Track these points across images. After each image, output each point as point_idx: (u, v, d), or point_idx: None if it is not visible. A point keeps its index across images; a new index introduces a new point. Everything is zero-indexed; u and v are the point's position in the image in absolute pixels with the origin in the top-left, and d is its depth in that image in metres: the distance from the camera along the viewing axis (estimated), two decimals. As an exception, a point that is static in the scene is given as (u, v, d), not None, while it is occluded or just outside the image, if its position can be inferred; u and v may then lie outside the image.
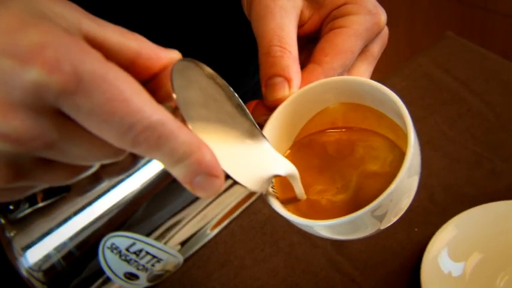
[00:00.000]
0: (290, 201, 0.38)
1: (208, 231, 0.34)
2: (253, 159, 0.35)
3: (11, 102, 0.24)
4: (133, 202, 0.32)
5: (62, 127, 0.25)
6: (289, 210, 0.36)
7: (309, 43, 0.43)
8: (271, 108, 0.39)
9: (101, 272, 0.32)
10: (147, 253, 0.32)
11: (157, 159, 0.27)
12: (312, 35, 0.42)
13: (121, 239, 0.32)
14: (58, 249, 0.32)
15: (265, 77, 0.38)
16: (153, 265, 0.33)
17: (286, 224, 0.64)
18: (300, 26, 0.41)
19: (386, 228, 0.38)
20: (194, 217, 0.33)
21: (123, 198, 0.32)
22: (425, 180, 0.65)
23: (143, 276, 0.33)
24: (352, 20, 0.39)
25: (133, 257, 0.32)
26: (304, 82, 0.38)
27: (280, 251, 0.62)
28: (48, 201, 0.33)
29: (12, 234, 0.32)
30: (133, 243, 0.32)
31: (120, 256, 0.32)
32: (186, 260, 0.34)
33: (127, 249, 0.32)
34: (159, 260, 0.33)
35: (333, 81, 0.38)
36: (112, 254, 0.32)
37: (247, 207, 0.67)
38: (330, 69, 0.38)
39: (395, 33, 1.62)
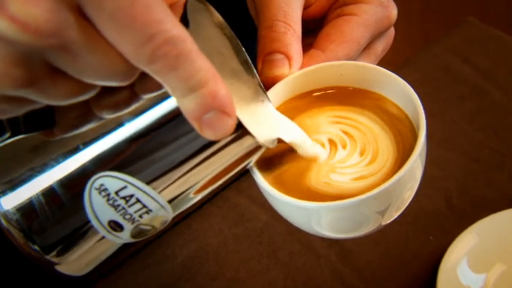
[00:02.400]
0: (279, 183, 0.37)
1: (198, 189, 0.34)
2: (257, 118, 0.36)
3: None
4: (128, 141, 0.31)
5: (81, 28, 0.26)
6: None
7: (309, 34, 0.43)
8: (265, 86, 0.39)
9: (85, 219, 0.32)
10: (138, 200, 0.32)
11: (169, 85, 0.27)
12: (316, 19, 0.43)
13: (112, 180, 0.31)
14: (39, 188, 0.31)
15: (265, 52, 0.38)
16: (141, 216, 0.32)
17: (286, 232, 0.64)
18: (305, 7, 0.42)
19: (388, 224, 0.39)
20: (194, 168, 0.32)
21: (119, 136, 0.31)
22: (441, 183, 0.66)
23: (128, 228, 0.32)
24: (363, 8, 0.40)
25: (122, 202, 0.31)
26: (304, 67, 0.39)
27: (279, 262, 0.62)
28: (32, 134, 0.32)
29: None
30: (125, 187, 0.31)
31: (108, 200, 0.31)
32: (175, 218, 0.34)
33: (116, 193, 0.31)
34: (148, 211, 0.32)
35: (337, 65, 0.39)
36: (99, 197, 0.31)
37: (242, 214, 0.66)
38: (334, 57, 0.39)
39: (407, 18, 1.61)
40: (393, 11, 0.42)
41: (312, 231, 0.39)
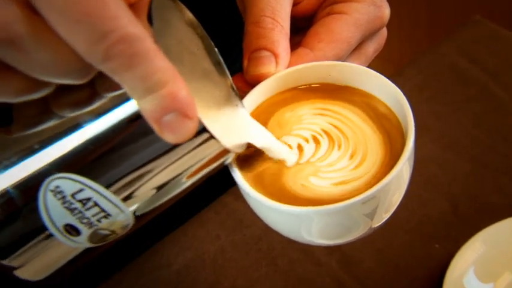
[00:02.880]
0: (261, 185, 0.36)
1: (165, 191, 0.33)
2: (227, 122, 0.35)
3: None
4: (87, 143, 0.30)
5: (30, 22, 0.25)
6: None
7: (298, 32, 0.42)
8: (250, 84, 0.38)
9: (40, 222, 0.31)
10: (96, 204, 0.31)
11: (126, 85, 0.26)
12: (306, 17, 0.42)
13: (68, 182, 0.30)
14: None
15: (251, 49, 0.38)
16: (99, 220, 0.31)
17: (285, 239, 0.63)
18: (295, 4, 0.41)
19: (378, 227, 0.38)
20: (156, 172, 0.31)
21: (76, 137, 0.30)
22: (447, 189, 0.65)
23: (85, 232, 0.31)
24: (354, 7, 0.40)
25: (79, 206, 0.30)
26: (291, 66, 0.38)
27: (278, 269, 0.61)
28: None
29: None
30: (82, 190, 0.30)
31: (64, 203, 0.30)
32: (136, 223, 0.33)
33: (73, 195, 0.30)
34: (107, 215, 0.31)
35: (326, 65, 0.39)
36: (54, 199, 0.30)
37: (240, 220, 0.65)
38: (322, 57, 0.39)
39: (414, 16, 1.60)
40: (386, 11, 0.41)
41: (287, 235, 0.39)
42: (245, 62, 0.38)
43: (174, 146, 0.31)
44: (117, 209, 0.31)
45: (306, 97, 0.40)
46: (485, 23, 0.81)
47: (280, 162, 0.37)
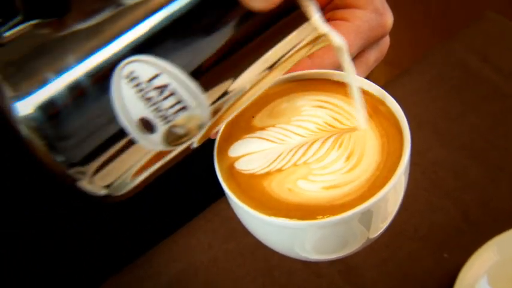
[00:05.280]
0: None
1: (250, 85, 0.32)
2: None
3: None
4: (168, 19, 0.29)
5: None
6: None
7: None
8: None
9: (112, 117, 0.29)
10: (173, 92, 0.29)
11: None
12: None
13: (144, 66, 0.29)
14: (60, 85, 0.29)
15: None
16: (175, 113, 0.30)
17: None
18: None
19: (375, 238, 0.38)
20: (240, 57, 0.30)
21: (154, 11, 0.29)
22: (457, 194, 0.65)
23: (161, 128, 0.30)
24: (356, 14, 0.40)
25: (155, 94, 0.29)
26: (287, 72, 0.38)
27: (276, 282, 0.61)
28: (48, 20, 0.30)
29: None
30: (159, 74, 0.29)
31: (139, 91, 0.29)
32: (211, 126, 0.31)
33: (149, 81, 0.29)
34: (184, 107, 0.30)
35: (322, 73, 0.39)
36: (128, 87, 0.29)
37: (234, 228, 0.65)
38: (320, 64, 0.39)
39: (428, 11, 1.60)
40: (389, 19, 0.42)
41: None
42: None
43: (260, 27, 0.30)
44: (196, 100, 0.30)
45: (303, 89, 0.40)
46: (497, 18, 0.81)
47: (269, 165, 0.37)
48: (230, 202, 0.37)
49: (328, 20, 0.41)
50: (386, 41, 0.44)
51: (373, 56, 0.43)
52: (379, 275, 0.60)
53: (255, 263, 0.62)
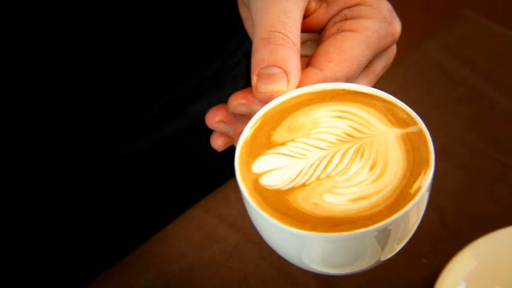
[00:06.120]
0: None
1: None
2: None
3: None
4: None
5: None
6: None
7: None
8: (258, 102, 0.40)
9: None
10: None
11: None
12: (312, 31, 0.44)
13: None
14: None
15: (261, 65, 0.39)
16: None
17: (258, 256, 0.63)
18: (303, 17, 0.42)
19: (387, 260, 0.39)
20: None
21: None
22: (435, 199, 0.64)
23: None
24: (365, 24, 0.41)
25: None
26: (300, 85, 0.40)
27: (251, 290, 0.61)
28: None
29: None
30: None
31: None
32: None
33: None
34: None
35: (342, 87, 0.40)
36: None
37: (209, 235, 0.65)
38: (332, 77, 0.40)
39: (407, 10, 1.61)
40: (397, 28, 0.42)
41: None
42: (254, 79, 0.39)
43: None
44: None
45: (320, 100, 0.40)
46: (474, 17, 0.81)
47: (293, 180, 0.38)
48: (255, 217, 0.37)
49: (337, 31, 0.42)
50: (393, 49, 0.44)
51: (381, 65, 0.44)
52: (355, 282, 0.60)
53: (230, 271, 0.62)
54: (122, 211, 0.66)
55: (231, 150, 0.40)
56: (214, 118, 0.42)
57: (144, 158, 0.65)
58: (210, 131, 0.45)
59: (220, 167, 0.59)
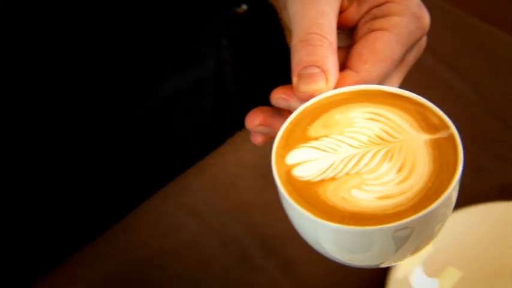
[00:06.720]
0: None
1: None
2: None
3: None
4: None
5: None
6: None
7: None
8: (300, 100, 0.41)
9: None
10: None
11: None
12: (345, 29, 0.45)
13: None
14: None
15: (300, 66, 0.41)
16: None
17: (219, 244, 0.63)
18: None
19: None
20: None
21: None
22: None
23: None
24: (395, 22, 0.42)
25: None
26: (337, 87, 0.41)
27: (212, 277, 0.62)
28: None
29: None
30: None
31: None
32: None
33: None
34: None
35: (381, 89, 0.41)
36: None
37: (169, 224, 0.65)
38: (368, 78, 0.42)
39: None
40: (427, 21, 0.43)
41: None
42: (294, 79, 0.41)
43: None
44: None
45: (357, 100, 0.42)
46: (444, 8, 0.82)
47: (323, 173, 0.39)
48: (286, 206, 0.39)
49: (368, 31, 0.43)
50: (423, 39, 0.45)
51: (412, 57, 0.45)
52: (314, 266, 0.60)
53: (190, 260, 0.63)
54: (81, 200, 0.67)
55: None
56: (254, 122, 0.44)
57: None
58: None
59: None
